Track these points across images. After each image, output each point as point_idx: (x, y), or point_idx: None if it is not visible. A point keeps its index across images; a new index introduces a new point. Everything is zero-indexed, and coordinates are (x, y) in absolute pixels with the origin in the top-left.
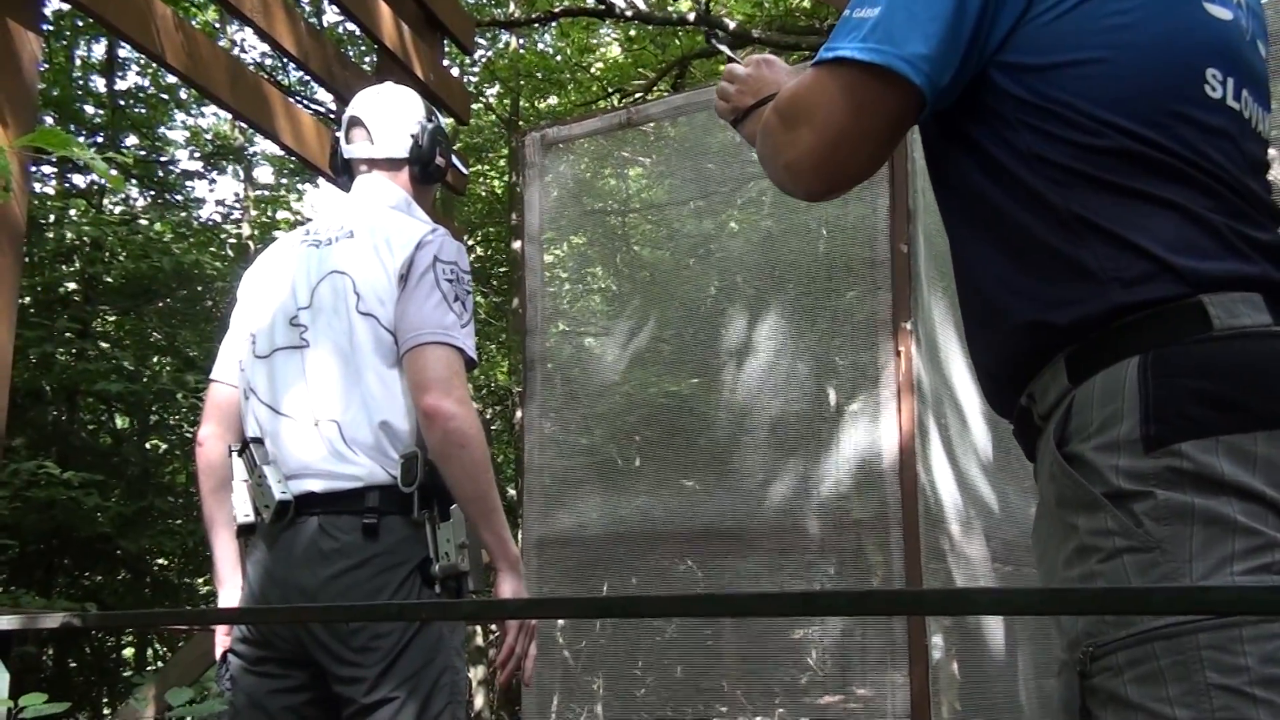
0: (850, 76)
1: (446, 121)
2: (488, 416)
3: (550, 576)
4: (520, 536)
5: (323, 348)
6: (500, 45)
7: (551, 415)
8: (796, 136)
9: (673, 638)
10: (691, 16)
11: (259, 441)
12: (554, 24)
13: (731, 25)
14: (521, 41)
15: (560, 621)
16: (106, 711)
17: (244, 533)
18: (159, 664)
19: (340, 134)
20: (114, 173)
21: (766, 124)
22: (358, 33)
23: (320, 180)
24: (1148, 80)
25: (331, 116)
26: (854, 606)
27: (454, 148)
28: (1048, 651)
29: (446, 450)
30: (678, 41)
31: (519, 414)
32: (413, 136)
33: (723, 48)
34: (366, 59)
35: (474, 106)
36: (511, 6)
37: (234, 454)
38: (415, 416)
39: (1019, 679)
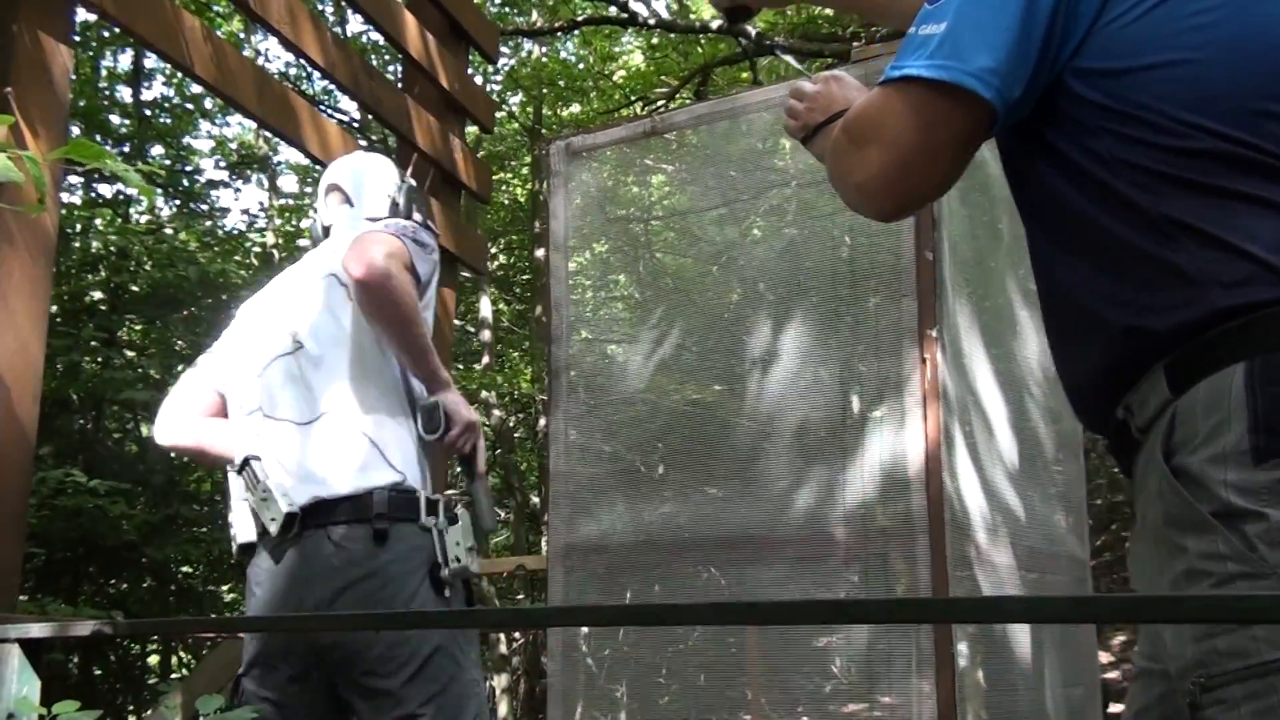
0: (918, 95)
1: (470, 130)
2: (511, 424)
3: (575, 583)
4: (546, 544)
5: (319, 349)
6: (523, 54)
7: (575, 423)
8: (865, 157)
9: (696, 645)
10: (714, 25)
11: (258, 458)
12: (576, 32)
13: (753, 33)
14: (544, 50)
15: (584, 629)
16: (132, 719)
17: (245, 552)
18: (184, 671)
19: (320, 201)
20: (143, 181)
21: (835, 144)
22: (383, 42)
23: None
24: (1233, 79)
25: (356, 126)
26: (885, 615)
27: (478, 155)
28: (1074, 659)
29: (372, 299)
30: (700, 49)
31: (543, 421)
32: (390, 197)
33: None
34: (390, 68)
35: (497, 115)
36: (535, 15)
37: (231, 473)
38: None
39: (1046, 687)
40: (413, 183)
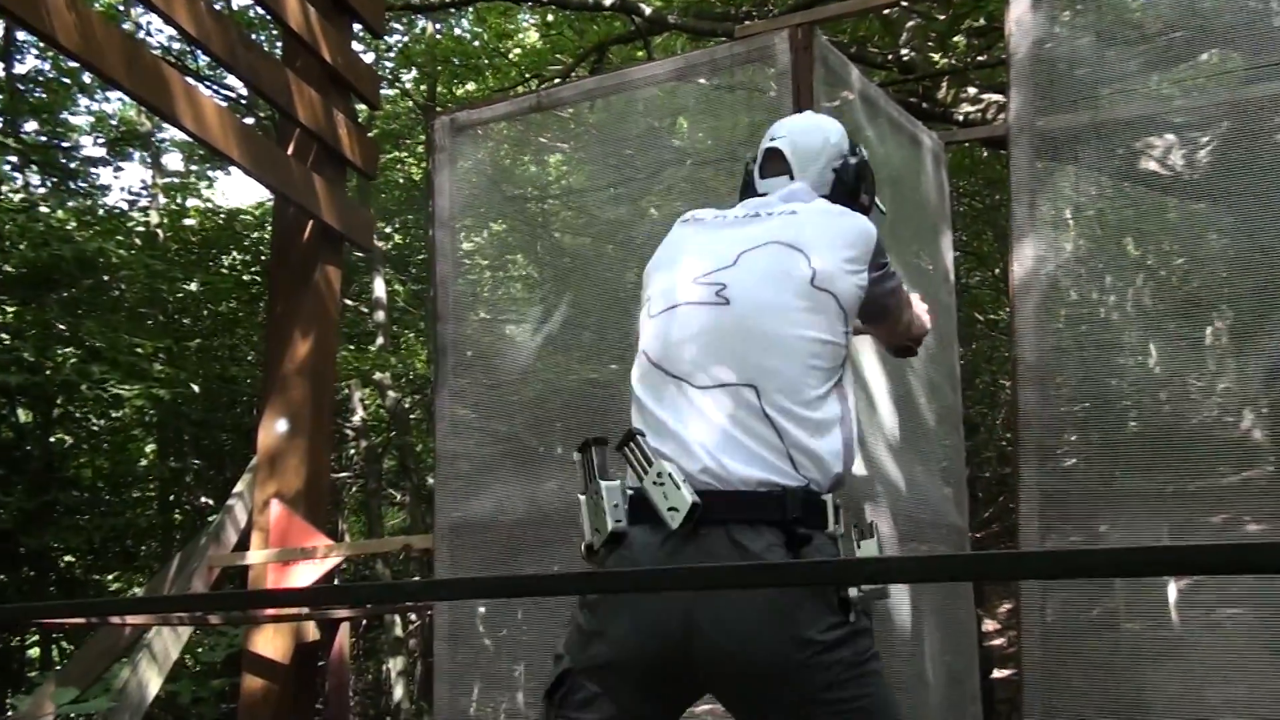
0: None
1: (359, 107)
2: (407, 405)
3: (469, 562)
4: (435, 522)
5: (748, 312)
6: (417, 30)
7: (469, 402)
8: None
9: None
10: (609, 2)
11: (643, 433)
12: (471, 9)
13: (647, 11)
14: (439, 26)
15: (481, 609)
16: (10, 712)
17: (613, 542)
18: (65, 661)
19: (754, 164)
20: None
21: None
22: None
23: (232, 168)
24: None
25: (244, 101)
26: (739, 579)
27: (370, 133)
28: (954, 628)
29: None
30: (595, 27)
31: None
32: (835, 171)
33: None
34: (280, 43)
35: (391, 92)
36: None
37: (593, 450)
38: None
39: (926, 658)
40: (863, 154)
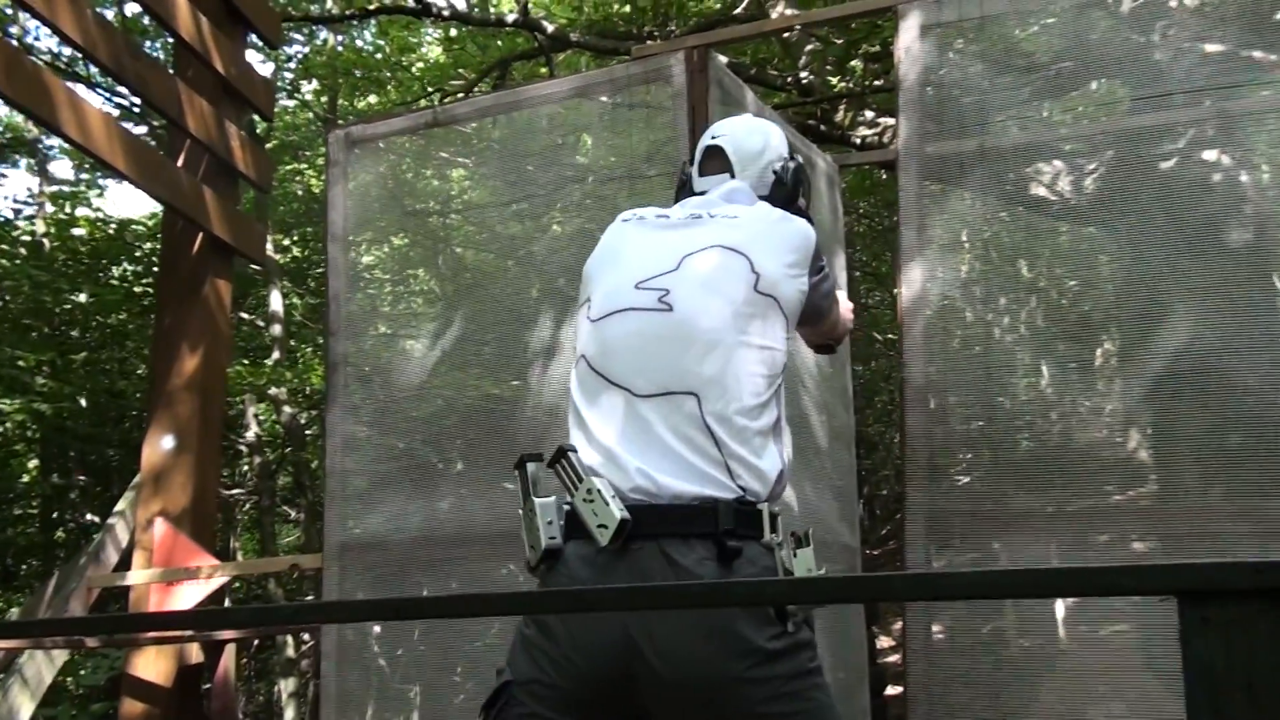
0: None
1: (257, 119)
2: (303, 420)
3: (360, 582)
4: (325, 541)
5: (689, 318)
6: (318, 42)
7: (368, 419)
8: None
9: (492, 642)
10: (511, 18)
11: (574, 449)
12: (373, 22)
13: (550, 28)
14: (340, 38)
15: (376, 628)
16: None
17: (549, 558)
18: None
19: (693, 164)
20: None
21: None
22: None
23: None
24: None
25: (136, 110)
26: (623, 601)
27: (265, 145)
28: (844, 643)
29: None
30: (499, 43)
31: None
32: (775, 173)
33: None
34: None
35: (291, 104)
36: (329, 2)
37: (530, 466)
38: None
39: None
40: (799, 159)
